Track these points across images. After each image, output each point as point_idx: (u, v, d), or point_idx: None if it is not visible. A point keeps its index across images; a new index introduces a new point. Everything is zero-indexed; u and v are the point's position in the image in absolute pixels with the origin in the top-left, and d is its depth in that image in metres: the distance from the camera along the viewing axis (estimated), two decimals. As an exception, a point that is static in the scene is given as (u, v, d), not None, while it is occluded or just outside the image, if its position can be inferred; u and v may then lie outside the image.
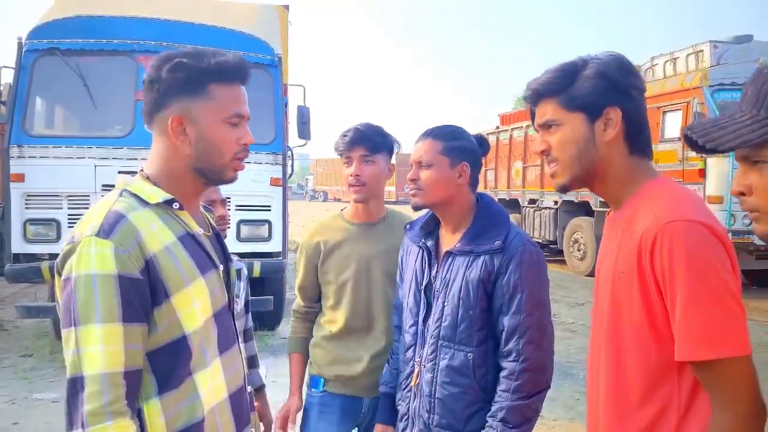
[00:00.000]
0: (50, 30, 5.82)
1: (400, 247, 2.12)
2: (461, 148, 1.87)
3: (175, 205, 1.34)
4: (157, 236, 1.27)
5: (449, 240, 1.90)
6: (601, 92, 1.30)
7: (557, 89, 1.34)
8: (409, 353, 1.94)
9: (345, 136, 2.19)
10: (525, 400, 1.71)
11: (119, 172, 1.53)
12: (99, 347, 1.17)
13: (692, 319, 1.13)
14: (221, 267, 1.44)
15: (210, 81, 1.32)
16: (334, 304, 2.23)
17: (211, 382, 1.34)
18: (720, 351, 1.11)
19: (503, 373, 1.75)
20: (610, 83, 1.30)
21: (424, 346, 1.87)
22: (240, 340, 1.51)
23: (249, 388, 1.54)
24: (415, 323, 1.92)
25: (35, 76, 5.78)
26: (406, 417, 1.92)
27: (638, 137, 1.33)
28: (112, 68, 5.86)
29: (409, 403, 1.90)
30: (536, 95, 1.38)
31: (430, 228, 1.97)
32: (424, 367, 1.85)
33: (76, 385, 1.17)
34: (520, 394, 1.70)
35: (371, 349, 2.20)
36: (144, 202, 1.30)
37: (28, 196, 5.66)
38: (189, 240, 1.35)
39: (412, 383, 1.89)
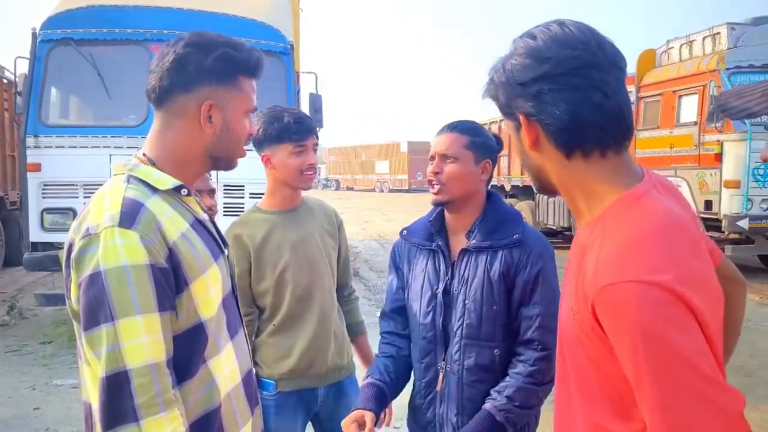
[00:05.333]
0: (64, 20, 5.85)
1: (395, 253, 2.02)
2: (485, 145, 1.86)
3: (183, 191, 1.33)
4: (174, 223, 1.25)
5: (459, 238, 1.87)
6: (507, 100, 1.08)
7: (492, 96, 1.14)
8: (429, 359, 1.87)
9: (299, 123, 2.15)
10: (535, 386, 1.71)
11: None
12: (142, 339, 1.14)
13: (655, 412, 0.89)
14: (226, 252, 1.44)
15: (240, 73, 1.34)
16: (275, 297, 2.17)
17: (227, 367, 1.34)
18: None
19: (520, 358, 1.75)
20: (510, 88, 1.07)
21: (446, 349, 1.83)
22: (244, 323, 1.52)
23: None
24: (434, 328, 1.85)
25: (50, 67, 5.83)
26: (432, 424, 1.87)
27: (565, 136, 1.03)
28: (125, 58, 5.89)
29: (434, 409, 1.86)
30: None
31: (437, 227, 1.91)
32: (450, 369, 1.82)
33: (118, 380, 1.13)
34: (532, 379, 1.70)
35: (312, 335, 2.18)
36: (153, 189, 1.27)
37: (45, 185, 5.73)
38: (199, 226, 1.34)
39: (438, 388, 1.85)
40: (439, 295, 1.84)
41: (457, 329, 1.80)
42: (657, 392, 0.88)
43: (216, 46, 1.31)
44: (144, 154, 1.34)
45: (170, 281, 1.21)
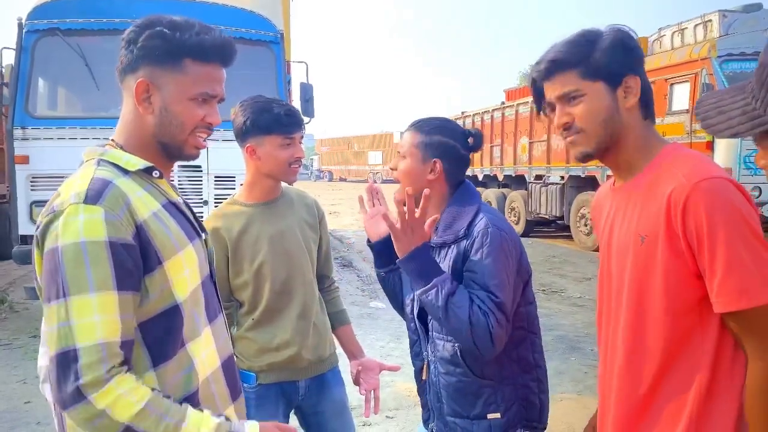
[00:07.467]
0: (50, 10, 5.77)
1: None
2: (437, 144, 1.85)
3: (155, 173, 1.32)
4: (144, 202, 1.24)
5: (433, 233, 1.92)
6: (621, 61, 1.35)
7: (577, 60, 1.35)
8: (416, 348, 1.99)
9: (289, 115, 2.12)
10: (479, 314, 1.65)
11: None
12: (94, 317, 1.11)
13: (732, 271, 1.19)
14: (204, 235, 1.42)
15: (186, 56, 1.29)
16: (254, 291, 2.15)
17: (204, 351, 1.33)
18: (757, 299, 1.17)
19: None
20: (627, 52, 1.35)
21: (427, 341, 1.90)
22: (223, 310, 1.49)
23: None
24: (413, 320, 1.96)
25: (36, 57, 5.75)
26: (427, 408, 1.98)
27: (650, 103, 1.39)
28: (113, 48, 5.75)
29: (426, 395, 1.95)
30: (554, 66, 1.38)
31: None
32: (430, 360, 1.89)
33: (67, 359, 1.10)
34: (485, 307, 1.65)
35: (292, 328, 2.16)
36: (124, 171, 1.27)
37: (33, 177, 5.67)
38: (173, 208, 1.32)
39: (424, 377, 1.93)
40: (412, 290, 1.92)
41: (430, 322, 1.87)
42: (733, 252, 1.18)
43: (153, 25, 1.29)
44: (112, 140, 1.34)
45: (136, 259, 1.19)
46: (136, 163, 1.28)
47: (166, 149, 1.35)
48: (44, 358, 1.53)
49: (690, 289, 1.25)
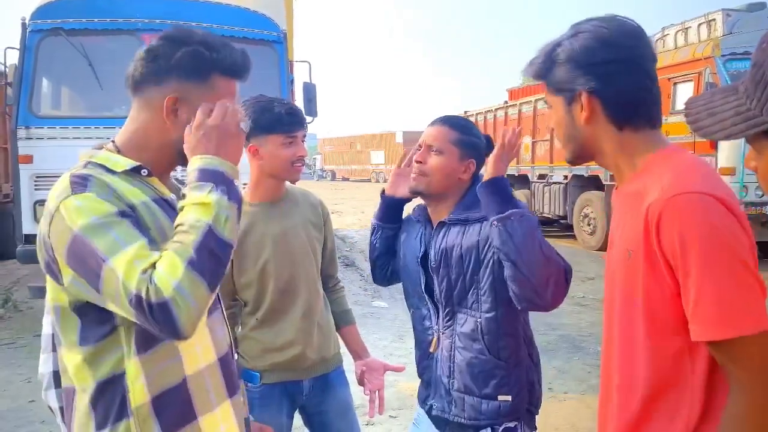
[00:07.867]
0: (54, 10, 5.79)
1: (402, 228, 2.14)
2: (473, 144, 1.90)
3: (144, 172, 1.33)
4: (132, 194, 1.26)
5: (438, 212, 1.95)
6: (570, 77, 1.29)
7: (542, 75, 1.35)
8: (426, 323, 1.98)
9: (291, 114, 2.14)
10: (548, 246, 1.70)
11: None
12: (135, 263, 1.12)
13: (706, 296, 1.07)
14: None
15: (215, 72, 1.33)
16: (258, 291, 2.15)
17: (198, 344, 1.33)
18: (736, 329, 1.05)
19: None
20: (575, 66, 1.28)
21: (438, 314, 1.92)
22: (224, 307, 1.49)
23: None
24: (416, 293, 1.98)
25: (40, 57, 5.77)
26: (428, 385, 1.98)
27: (623, 112, 1.26)
28: (116, 47, 5.82)
29: (432, 371, 1.95)
30: (533, 76, 1.40)
31: (426, 215, 2.03)
32: (443, 333, 1.90)
33: (139, 305, 1.10)
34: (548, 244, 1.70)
35: (296, 328, 2.16)
36: (111, 171, 1.29)
37: (37, 177, 5.68)
38: (163, 203, 1.33)
39: (432, 350, 1.94)
40: (419, 263, 1.97)
41: (447, 297, 1.89)
42: (709, 276, 1.07)
43: (188, 42, 1.32)
44: (113, 141, 1.37)
45: (142, 225, 1.21)
46: (124, 163, 1.30)
47: (182, 157, 1.36)
48: (46, 365, 1.53)
49: (673, 309, 1.14)
